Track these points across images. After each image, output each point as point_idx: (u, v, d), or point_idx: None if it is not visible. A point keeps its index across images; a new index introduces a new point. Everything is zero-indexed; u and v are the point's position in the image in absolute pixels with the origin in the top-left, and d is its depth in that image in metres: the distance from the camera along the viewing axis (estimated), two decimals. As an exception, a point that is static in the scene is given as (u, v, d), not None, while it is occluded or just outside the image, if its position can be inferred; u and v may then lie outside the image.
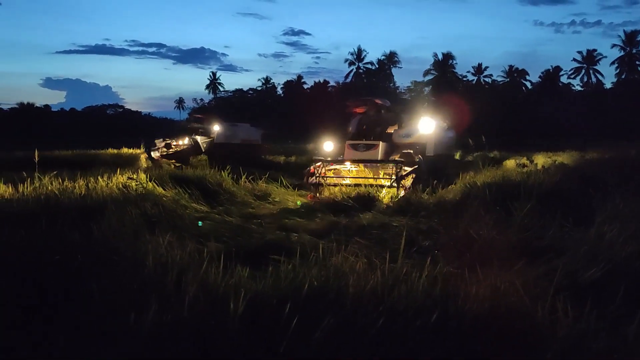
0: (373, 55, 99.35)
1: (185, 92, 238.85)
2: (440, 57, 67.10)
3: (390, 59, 71.81)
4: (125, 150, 22.57)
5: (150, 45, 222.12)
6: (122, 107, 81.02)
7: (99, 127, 59.58)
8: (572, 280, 3.64)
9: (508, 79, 67.58)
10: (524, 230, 5.41)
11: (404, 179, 9.34)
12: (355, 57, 73.82)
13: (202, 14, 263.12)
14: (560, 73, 66.08)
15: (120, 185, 7.89)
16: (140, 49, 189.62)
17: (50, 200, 6.38)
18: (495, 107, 52.26)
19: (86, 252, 4.02)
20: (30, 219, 5.14)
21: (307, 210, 8.01)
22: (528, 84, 67.82)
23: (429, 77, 67.99)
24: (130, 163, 17.75)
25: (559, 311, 2.81)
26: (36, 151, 9.76)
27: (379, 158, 10.63)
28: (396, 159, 9.88)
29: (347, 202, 8.09)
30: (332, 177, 10.30)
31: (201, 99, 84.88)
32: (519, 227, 5.50)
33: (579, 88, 66.53)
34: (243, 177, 10.60)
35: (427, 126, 11.56)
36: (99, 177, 8.57)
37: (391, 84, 70.61)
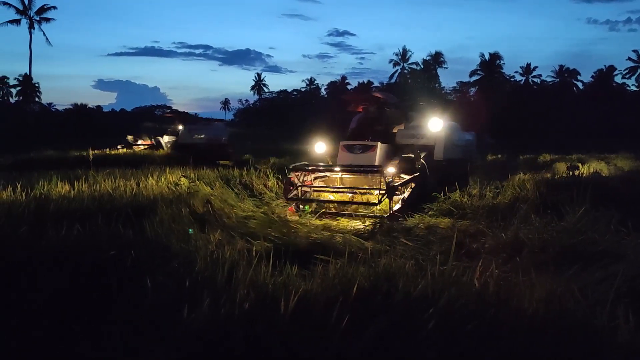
0: (418, 55, 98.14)
1: (230, 93, 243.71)
2: (487, 57, 65.77)
3: (436, 59, 70.90)
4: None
5: (197, 47, 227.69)
6: (169, 107, 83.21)
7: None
8: (632, 286, 3.50)
9: (558, 79, 65.66)
10: (578, 235, 5.23)
11: (400, 189, 7.98)
12: (400, 57, 73.42)
13: (248, 16, 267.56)
14: (614, 73, 63.79)
15: (170, 184, 8.09)
16: (188, 50, 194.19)
17: (104, 198, 6.60)
18: (544, 108, 50.80)
19: (139, 248, 4.13)
20: (87, 215, 5.34)
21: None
22: (579, 85, 65.75)
23: (476, 77, 66.80)
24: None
25: (620, 318, 2.71)
26: (90, 150, 10.13)
27: (376, 162, 9.03)
28: (393, 164, 8.47)
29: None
30: (318, 187, 8.97)
31: (246, 100, 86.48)
32: (572, 232, 5.33)
33: (634, 88, 63.98)
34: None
35: (435, 126, 9.90)
36: (149, 176, 8.83)
37: (436, 85, 69.70)
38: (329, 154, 9.93)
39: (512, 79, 67.11)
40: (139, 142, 23.37)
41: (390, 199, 7.53)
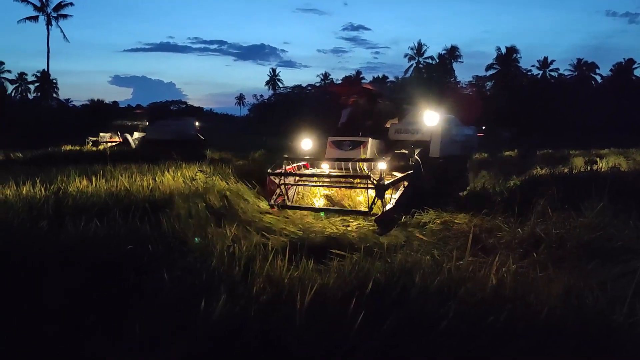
0: (433, 49, 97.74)
1: (245, 88, 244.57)
2: (503, 50, 65.05)
3: (452, 53, 70.29)
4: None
5: (211, 42, 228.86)
6: (185, 103, 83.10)
7: (164, 123, 61.53)
8: (651, 283, 3.45)
9: (576, 73, 64.80)
10: (596, 230, 5.17)
11: (390, 189, 7.23)
12: (415, 51, 72.85)
13: (263, 11, 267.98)
14: (634, 66, 62.76)
15: (186, 180, 8.15)
16: (202, 46, 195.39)
17: (122, 193, 6.67)
18: (561, 102, 50.16)
19: (157, 243, 4.18)
20: (104, 210, 5.40)
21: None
22: (598, 78, 64.84)
23: (492, 71, 66.10)
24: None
25: (639, 314, 2.68)
26: (107, 145, 10.21)
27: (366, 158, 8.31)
28: (382, 161, 7.75)
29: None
30: (303, 182, 8.20)
31: (261, 95, 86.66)
32: (590, 227, 5.27)
33: (654, 81, 62.88)
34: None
35: (430, 120, 8.98)
36: (166, 171, 8.91)
37: (452, 79, 69.14)
38: (316, 151, 9.27)
39: (529, 73, 66.36)
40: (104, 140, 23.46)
41: (381, 198, 6.87)
